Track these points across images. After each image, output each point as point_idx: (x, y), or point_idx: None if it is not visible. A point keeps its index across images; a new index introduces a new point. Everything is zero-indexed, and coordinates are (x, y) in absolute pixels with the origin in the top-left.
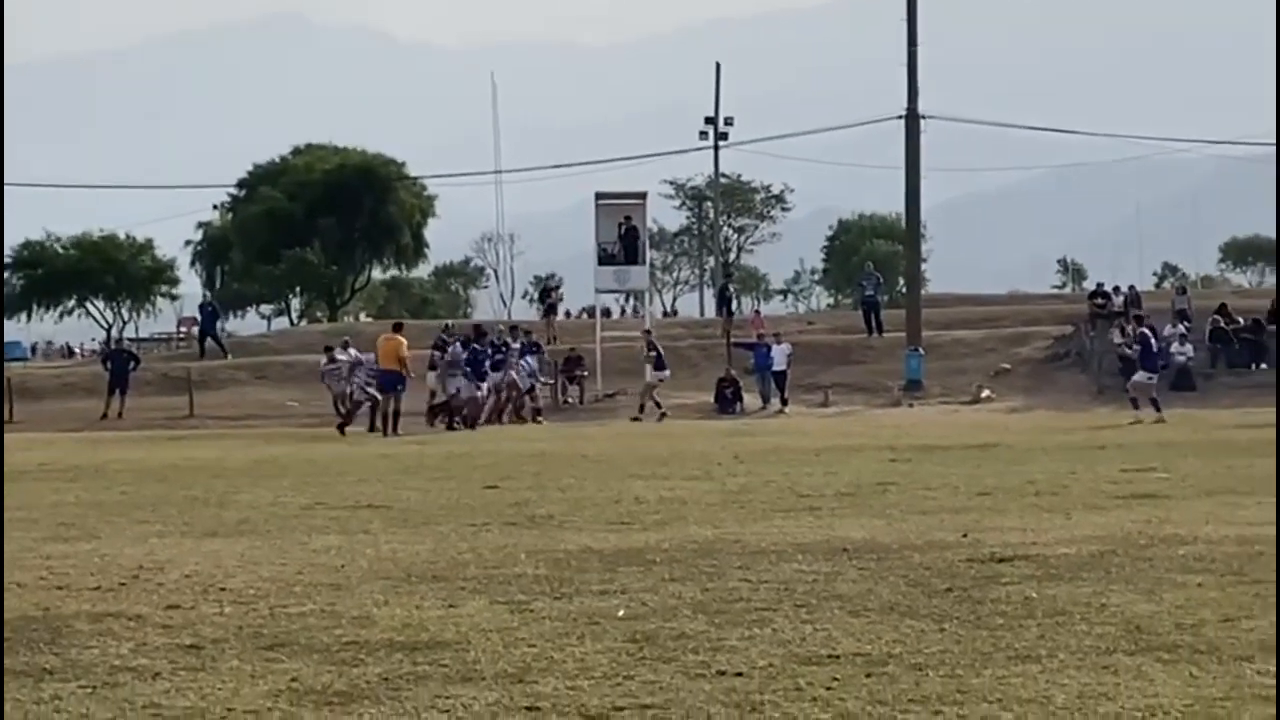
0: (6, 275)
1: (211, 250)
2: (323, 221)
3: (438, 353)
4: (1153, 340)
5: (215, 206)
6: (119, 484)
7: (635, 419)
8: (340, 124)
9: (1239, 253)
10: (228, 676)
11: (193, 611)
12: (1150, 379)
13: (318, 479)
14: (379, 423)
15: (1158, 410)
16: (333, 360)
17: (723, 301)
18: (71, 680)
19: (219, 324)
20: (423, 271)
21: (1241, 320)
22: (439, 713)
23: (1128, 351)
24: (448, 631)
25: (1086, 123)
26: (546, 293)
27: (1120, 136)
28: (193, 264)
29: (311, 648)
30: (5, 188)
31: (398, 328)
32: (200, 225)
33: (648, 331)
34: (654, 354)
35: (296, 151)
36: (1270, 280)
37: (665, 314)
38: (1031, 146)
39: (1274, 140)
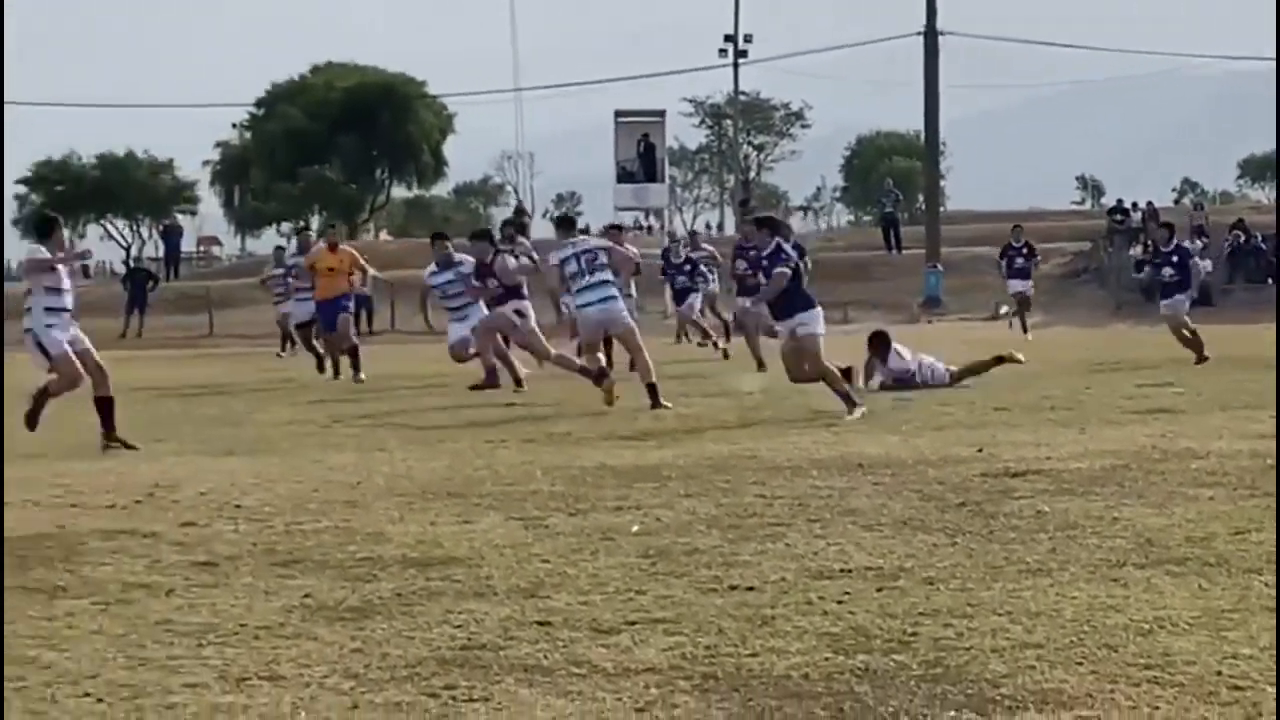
0: (29, 191)
1: (230, 169)
2: (342, 140)
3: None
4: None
5: (234, 125)
6: (135, 403)
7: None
8: (358, 37)
9: (1257, 168)
10: (241, 593)
11: (207, 529)
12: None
13: (335, 397)
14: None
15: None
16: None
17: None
18: (85, 597)
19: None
20: (442, 190)
21: (1259, 236)
22: (451, 628)
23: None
24: (461, 547)
25: (1106, 38)
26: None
27: (1138, 52)
28: (212, 183)
29: (325, 564)
30: (31, 107)
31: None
32: (218, 145)
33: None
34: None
35: (315, 69)
36: None
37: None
38: (1051, 62)
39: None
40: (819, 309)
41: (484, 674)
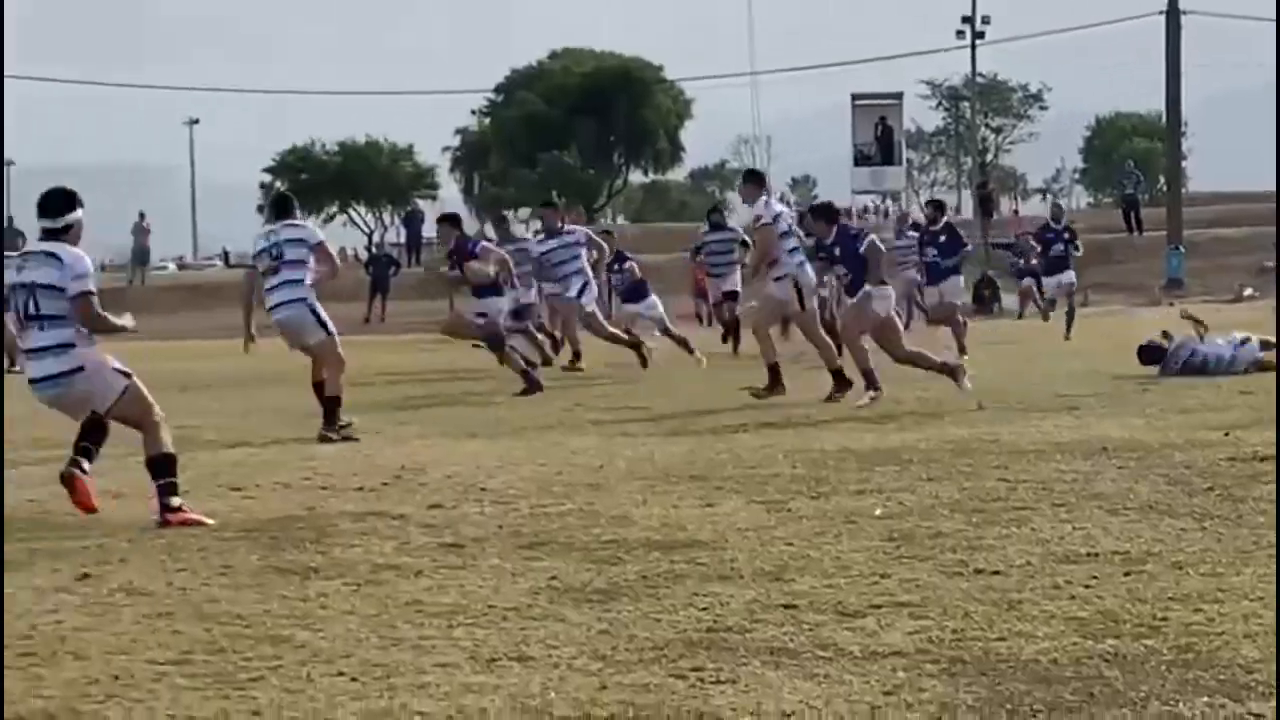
0: (273, 179)
1: (470, 156)
2: (580, 125)
3: None
4: None
5: (474, 112)
6: (378, 387)
7: None
8: (596, 22)
9: None
10: (488, 574)
11: (454, 511)
12: None
13: (575, 381)
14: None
15: None
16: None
17: (982, 202)
18: (336, 578)
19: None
20: (679, 174)
21: None
22: (697, 610)
23: None
24: (705, 531)
25: None
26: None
27: None
28: (451, 170)
29: (571, 546)
30: (266, 95)
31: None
32: (458, 131)
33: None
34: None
35: (554, 55)
36: None
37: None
38: None
39: None
40: (888, 288)
41: (731, 656)
